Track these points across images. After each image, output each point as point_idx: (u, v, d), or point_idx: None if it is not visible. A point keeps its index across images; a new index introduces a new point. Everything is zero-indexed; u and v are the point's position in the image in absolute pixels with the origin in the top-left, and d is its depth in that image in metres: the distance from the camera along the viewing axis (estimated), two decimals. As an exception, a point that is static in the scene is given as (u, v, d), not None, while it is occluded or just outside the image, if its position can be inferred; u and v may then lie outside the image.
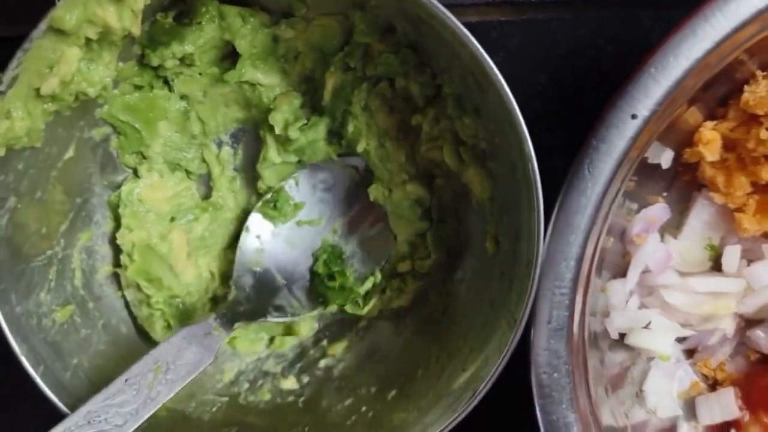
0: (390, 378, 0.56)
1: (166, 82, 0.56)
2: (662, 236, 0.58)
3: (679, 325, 0.58)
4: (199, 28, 0.52)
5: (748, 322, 0.60)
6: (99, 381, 0.51)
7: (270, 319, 0.56)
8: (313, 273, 0.59)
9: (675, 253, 0.57)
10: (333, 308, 0.59)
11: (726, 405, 0.60)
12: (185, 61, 0.54)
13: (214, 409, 0.57)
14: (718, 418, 0.59)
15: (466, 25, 0.58)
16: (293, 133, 0.55)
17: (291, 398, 0.58)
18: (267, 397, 0.58)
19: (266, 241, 0.58)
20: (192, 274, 0.58)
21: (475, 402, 0.47)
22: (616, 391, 0.57)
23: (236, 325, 0.53)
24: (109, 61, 0.50)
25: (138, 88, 0.55)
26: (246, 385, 0.58)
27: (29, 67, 0.45)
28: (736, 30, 0.44)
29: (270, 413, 0.57)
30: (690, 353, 0.61)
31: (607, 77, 0.57)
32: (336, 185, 0.59)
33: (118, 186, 0.57)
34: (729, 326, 0.58)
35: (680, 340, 0.60)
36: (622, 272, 0.57)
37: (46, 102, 0.47)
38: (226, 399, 0.58)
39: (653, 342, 0.57)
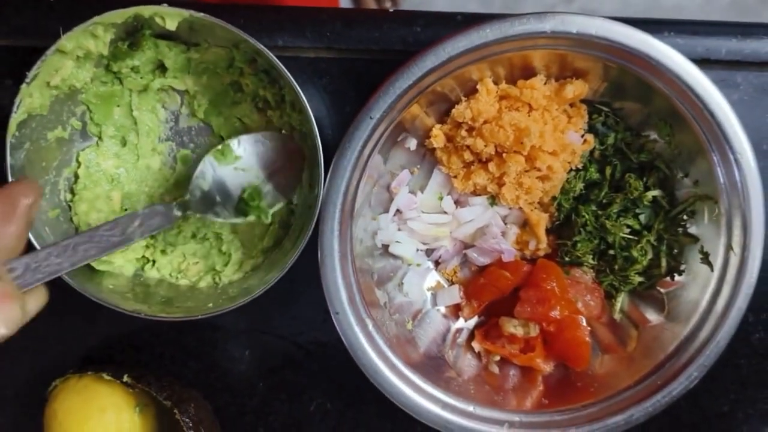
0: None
1: (120, 81, 0.84)
2: (416, 193, 0.86)
3: (419, 242, 0.86)
4: (142, 52, 0.78)
5: (466, 245, 0.85)
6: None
7: (209, 217, 0.78)
8: (240, 198, 0.81)
9: (419, 201, 0.84)
10: (251, 218, 0.80)
11: (453, 295, 0.85)
12: (134, 69, 0.82)
13: None
14: (448, 303, 0.85)
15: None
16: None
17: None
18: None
19: (213, 173, 0.80)
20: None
21: (290, 264, 0.76)
22: (384, 285, 0.84)
23: (188, 212, 0.77)
24: (89, 68, 0.79)
25: (104, 83, 0.80)
26: None
27: (44, 70, 0.74)
28: (420, 79, 0.72)
29: None
30: (437, 264, 0.86)
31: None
32: (265, 148, 0.81)
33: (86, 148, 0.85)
34: (449, 245, 0.86)
35: (429, 253, 0.86)
36: (387, 209, 0.83)
37: (51, 89, 0.77)
38: None
39: (403, 250, 0.84)
